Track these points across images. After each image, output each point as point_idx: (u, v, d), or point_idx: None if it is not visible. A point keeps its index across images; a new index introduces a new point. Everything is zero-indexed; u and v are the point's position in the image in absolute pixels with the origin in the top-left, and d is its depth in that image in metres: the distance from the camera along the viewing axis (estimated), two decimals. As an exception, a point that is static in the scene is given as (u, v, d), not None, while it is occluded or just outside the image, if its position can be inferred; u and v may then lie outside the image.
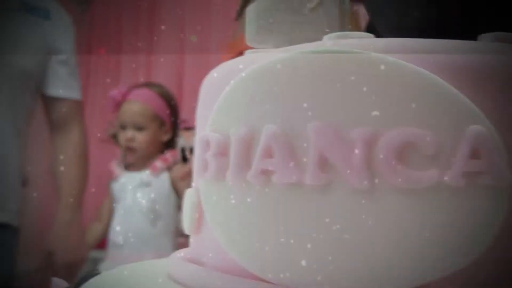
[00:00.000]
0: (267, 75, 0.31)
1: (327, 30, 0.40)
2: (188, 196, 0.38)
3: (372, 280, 0.30)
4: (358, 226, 0.29)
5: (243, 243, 0.31)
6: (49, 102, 1.68)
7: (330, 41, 0.34)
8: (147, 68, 3.04)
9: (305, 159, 0.30)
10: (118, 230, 1.77)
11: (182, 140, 2.49)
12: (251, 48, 1.37)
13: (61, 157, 1.69)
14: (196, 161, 0.38)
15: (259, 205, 0.31)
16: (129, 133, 1.77)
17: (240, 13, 1.63)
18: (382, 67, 0.29)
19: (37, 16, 1.61)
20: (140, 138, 1.78)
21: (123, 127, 1.80)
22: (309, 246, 0.30)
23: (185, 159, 2.51)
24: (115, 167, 1.85)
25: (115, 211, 1.80)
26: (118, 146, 2.04)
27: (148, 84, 1.92)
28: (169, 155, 1.83)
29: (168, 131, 1.85)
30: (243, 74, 0.32)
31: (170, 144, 1.88)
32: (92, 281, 0.38)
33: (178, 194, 1.80)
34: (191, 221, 0.37)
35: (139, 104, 1.79)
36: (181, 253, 0.41)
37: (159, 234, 1.77)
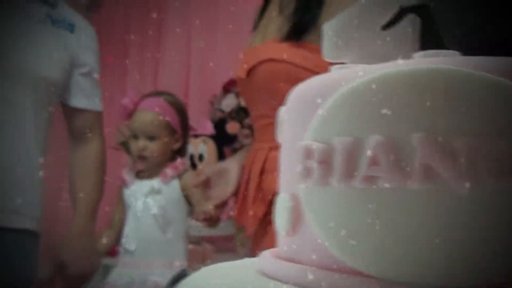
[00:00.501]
0: (370, 90, 0.35)
1: (401, 47, 0.44)
2: (282, 201, 0.41)
3: (469, 277, 0.33)
4: (459, 228, 0.33)
5: (348, 243, 0.35)
6: (71, 112, 1.73)
7: (422, 59, 0.38)
8: (153, 75, 3.07)
9: (408, 167, 0.33)
10: (129, 236, 1.80)
11: (190, 147, 2.54)
12: (264, 56, 1.40)
13: (80, 166, 1.73)
14: (289, 169, 0.42)
15: (364, 208, 0.35)
16: (141, 142, 1.81)
17: (257, 24, 1.67)
18: (481, 82, 0.33)
19: (61, 28, 1.67)
20: (152, 147, 1.81)
21: (135, 136, 1.83)
22: (411, 244, 0.34)
23: (194, 166, 2.56)
24: (126, 175, 1.88)
25: (126, 218, 1.83)
26: (128, 154, 2.07)
27: (159, 93, 1.95)
28: (179, 162, 1.87)
29: (178, 139, 1.89)
30: (345, 89, 0.36)
31: (180, 152, 1.91)
32: (186, 281, 0.41)
33: (188, 201, 1.84)
34: (287, 223, 0.40)
35: (151, 114, 1.83)
36: (268, 253, 0.45)
37: (170, 241, 1.80)
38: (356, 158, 0.35)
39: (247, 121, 2.60)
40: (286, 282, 0.38)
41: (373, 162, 0.34)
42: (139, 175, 1.89)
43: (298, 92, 0.43)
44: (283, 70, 1.40)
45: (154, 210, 1.80)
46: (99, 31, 1.75)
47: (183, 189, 1.83)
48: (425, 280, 0.34)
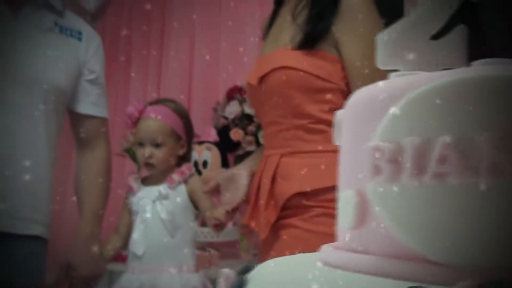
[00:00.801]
0: (438, 94, 0.39)
1: (451, 55, 0.48)
2: (349, 197, 0.45)
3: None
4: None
5: (419, 233, 0.39)
6: (77, 118, 1.76)
7: (480, 66, 0.42)
8: (156, 82, 3.10)
9: (476, 165, 0.37)
10: (138, 242, 1.82)
11: (194, 154, 2.57)
12: (274, 66, 1.43)
13: (86, 171, 1.76)
14: (352, 168, 0.45)
15: (434, 202, 0.39)
16: (147, 149, 1.83)
17: (267, 32, 1.70)
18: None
19: (70, 36, 1.71)
20: (158, 154, 1.84)
21: (141, 144, 1.85)
22: (478, 234, 0.38)
23: (198, 173, 2.58)
24: (132, 182, 1.91)
25: (134, 224, 1.86)
26: (133, 161, 2.09)
27: (163, 101, 1.98)
28: (185, 167, 1.89)
29: (183, 145, 1.91)
30: (414, 93, 0.40)
31: (185, 158, 1.95)
32: (254, 272, 0.44)
33: (195, 205, 1.87)
34: (353, 218, 0.44)
35: (156, 121, 1.85)
36: (330, 247, 0.48)
37: (178, 245, 1.83)
38: (426, 157, 0.39)
39: (250, 128, 2.63)
40: (356, 271, 0.42)
41: (442, 160, 0.38)
42: (145, 181, 1.91)
43: (361, 97, 0.47)
44: (297, 78, 1.44)
45: (162, 215, 1.82)
46: (102, 37, 1.79)
47: (190, 194, 1.86)
48: (491, 265, 0.37)
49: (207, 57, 2.98)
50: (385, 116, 0.41)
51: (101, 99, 1.81)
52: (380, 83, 0.45)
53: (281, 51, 1.50)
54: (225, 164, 2.66)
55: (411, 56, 0.49)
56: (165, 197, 1.83)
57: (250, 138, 2.64)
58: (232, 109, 2.70)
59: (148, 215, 1.83)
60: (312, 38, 1.45)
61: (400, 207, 0.40)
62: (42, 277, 1.68)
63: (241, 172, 1.64)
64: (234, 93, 2.74)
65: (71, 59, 1.71)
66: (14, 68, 1.58)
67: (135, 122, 1.88)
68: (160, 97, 2.36)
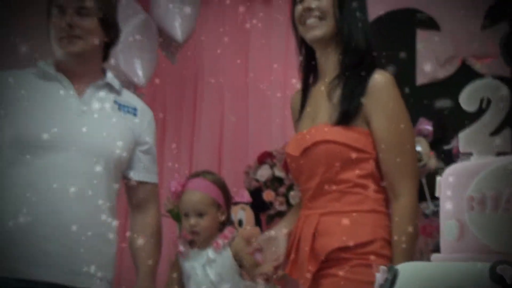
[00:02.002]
0: (503, 169, 0.81)
1: (502, 146, 0.91)
2: (452, 223, 0.86)
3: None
4: None
5: (495, 238, 0.80)
6: (132, 185, 2.04)
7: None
8: (189, 148, 3.51)
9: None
10: None
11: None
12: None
13: (140, 232, 2.04)
14: (454, 206, 0.87)
15: (505, 223, 0.80)
16: (192, 219, 2.09)
17: (301, 113, 2.06)
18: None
19: (127, 112, 2.04)
20: (202, 223, 2.09)
21: (186, 214, 2.12)
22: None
23: (234, 230, 2.96)
24: (181, 245, 2.16)
25: (188, 285, 2.10)
26: (176, 221, 2.37)
27: (202, 173, 2.24)
28: (228, 231, 2.13)
29: (224, 212, 2.16)
30: (493, 166, 0.82)
31: (226, 222, 2.20)
32: (404, 273, 0.84)
33: (241, 264, 2.12)
34: (456, 234, 0.85)
35: (199, 193, 2.13)
36: (436, 257, 0.89)
37: None
38: (499, 200, 0.80)
39: (281, 189, 3.02)
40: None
41: (507, 201, 0.79)
42: (193, 245, 2.12)
43: (455, 168, 0.91)
44: (337, 150, 1.76)
45: (212, 277, 2.05)
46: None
47: (235, 255, 2.08)
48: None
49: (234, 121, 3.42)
50: (475, 178, 0.83)
51: (153, 166, 2.10)
52: (467, 163, 0.87)
53: (320, 127, 1.81)
54: (258, 222, 3.03)
55: (479, 145, 0.91)
56: (213, 261, 2.08)
57: (281, 199, 3.04)
58: (264, 173, 3.10)
59: (200, 278, 2.07)
60: (348, 116, 1.77)
61: (486, 227, 0.81)
62: None
63: (279, 233, 1.93)
64: (265, 158, 3.16)
65: (128, 132, 2.01)
66: (80, 140, 1.89)
67: (180, 195, 2.16)
68: (198, 170, 2.62)
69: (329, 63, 1.88)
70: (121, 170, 2.01)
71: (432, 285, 0.80)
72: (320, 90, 1.89)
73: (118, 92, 2.05)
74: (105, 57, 2.09)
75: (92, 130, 1.92)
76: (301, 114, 1.98)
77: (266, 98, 3.43)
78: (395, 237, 1.71)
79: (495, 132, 0.92)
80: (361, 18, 1.87)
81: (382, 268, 0.88)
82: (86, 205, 1.87)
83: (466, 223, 0.84)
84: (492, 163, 0.84)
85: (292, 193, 2.99)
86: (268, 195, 3.05)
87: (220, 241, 2.08)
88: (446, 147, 2.87)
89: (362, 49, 1.84)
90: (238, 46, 3.52)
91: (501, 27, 3.02)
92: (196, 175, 2.22)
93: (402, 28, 3.24)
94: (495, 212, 0.80)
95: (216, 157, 3.48)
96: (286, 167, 2.95)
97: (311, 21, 1.86)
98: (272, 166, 3.12)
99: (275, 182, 3.09)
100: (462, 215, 0.85)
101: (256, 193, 3.08)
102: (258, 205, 3.06)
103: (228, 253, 2.08)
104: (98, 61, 2.05)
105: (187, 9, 3.00)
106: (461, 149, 0.95)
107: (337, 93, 1.82)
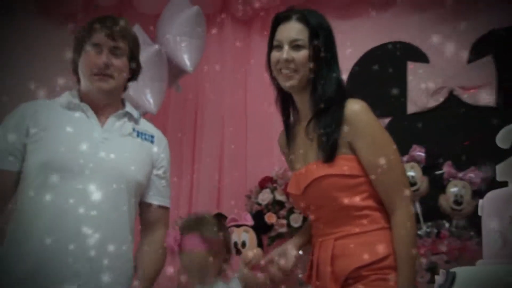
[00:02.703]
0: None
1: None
2: (496, 234, 1.12)
3: None
4: None
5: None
6: (146, 207, 2.26)
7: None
8: (190, 172, 3.74)
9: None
10: None
11: (234, 236, 3.17)
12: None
13: (146, 250, 2.23)
14: (495, 224, 1.14)
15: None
16: (196, 275, 2.19)
17: (288, 149, 2.29)
18: None
19: (145, 140, 2.27)
20: (206, 271, 2.18)
21: (190, 272, 2.20)
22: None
23: (238, 252, 3.17)
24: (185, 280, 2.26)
25: None
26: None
27: (197, 227, 2.21)
28: (230, 273, 2.23)
29: (225, 256, 2.25)
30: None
31: (227, 261, 2.29)
32: (460, 275, 1.10)
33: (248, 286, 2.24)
34: (500, 243, 1.11)
35: (198, 254, 2.16)
36: (481, 262, 1.16)
37: None
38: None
39: (282, 212, 3.27)
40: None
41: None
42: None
43: (494, 195, 1.18)
44: (335, 181, 1.95)
45: None
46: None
47: (242, 281, 2.20)
48: None
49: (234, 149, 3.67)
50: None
51: (167, 190, 2.33)
52: (506, 189, 1.15)
53: (312, 165, 2.00)
54: (260, 244, 3.27)
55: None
56: None
57: (282, 221, 3.30)
58: (265, 197, 3.36)
59: None
60: (331, 151, 1.95)
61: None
62: None
63: (290, 247, 2.13)
64: (266, 183, 3.42)
65: (146, 158, 2.24)
66: (104, 166, 2.10)
67: (177, 253, 2.19)
68: (192, 214, 2.60)
69: (306, 105, 2.06)
70: (140, 194, 2.22)
71: (482, 283, 1.06)
72: (302, 131, 2.08)
73: (136, 121, 2.27)
74: (124, 88, 2.31)
75: (115, 156, 2.12)
76: (290, 152, 2.18)
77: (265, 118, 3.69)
78: (397, 239, 1.88)
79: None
80: (334, 68, 2.04)
81: (442, 271, 1.14)
82: (110, 227, 2.07)
83: (508, 236, 1.11)
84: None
85: (292, 216, 3.27)
86: (270, 217, 3.30)
87: (229, 273, 2.23)
88: (437, 173, 3.15)
89: (333, 97, 2.00)
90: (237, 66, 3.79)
91: (486, 60, 3.33)
92: (191, 228, 2.24)
93: (394, 60, 3.53)
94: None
95: (216, 179, 3.73)
96: (286, 191, 3.15)
97: (286, 71, 2.02)
98: (273, 190, 3.38)
99: (276, 205, 3.35)
100: (505, 230, 1.12)
101: (258, 216, 3.34)
102: (260, 227, 3.31)
103: (236, 283, 2.21)
104: (120, 93, 2.28)
105: (195, 42, 3.27)
106: (498, 178, 1.22)
107: (316, 133, 2.01)
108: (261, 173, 3.51)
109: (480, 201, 1.24)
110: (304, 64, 2.01)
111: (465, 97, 3.42)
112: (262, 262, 2.14)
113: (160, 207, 2.30)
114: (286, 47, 2.02)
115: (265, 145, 3.63)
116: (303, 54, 2.01)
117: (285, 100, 2.16)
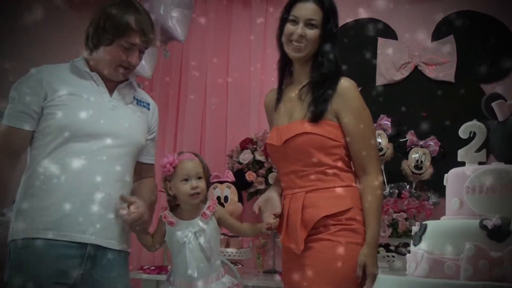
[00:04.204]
0: (486, 173, 1.67)
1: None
2: (456, 200, 1.71)
3: None
4: None
5: (481, 207, 1.66)
6: (138, 165, 2.55)
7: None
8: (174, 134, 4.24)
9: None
10: (193, 265, 2.42)
11: (218, 191, 3.67)
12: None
13: (140, 193, 2.50)
14: (457, 191, 1.72)
15: (487, 202, 1.66)
16: (194, 182, 2.44)
17: (275, 106, 2.85)
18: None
19: (143, 107, 2.58)
20: (201, 185, 2.47)
21: (186, 179, 2.46)
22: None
23: (222, 205, 3.65)
24: (171, 218, 2.50)
25: (184, 251, 2.42)
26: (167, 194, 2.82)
27: (189, 152, 2.60)
28: (212, 203, 2.53)
29: (208, 183, 2.58)
30: (480, 171, 1.68)
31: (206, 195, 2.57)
32: (432, 225, 1.67)
33: (227, 227, 2.56)
34: (458, 205, 1.71)
35: (195, 161, 2.52)
36: (447, 217, 1.75)
37: (212, 267, 2.49)
38: (482, 188, 1.67)
39: (261, 171, 3.73)
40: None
41: (488, 190, 1.66)
42: (179, 215, 2.50)
43: (457, 170, 1.77)
44: (314, 140, 2.28)
45: (203, 244, 2.43)
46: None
47: (218, 221, 2.49)
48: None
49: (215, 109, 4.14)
50: (470, 176, 1.69)
51: (154, 150, 2.67)
52: (464, 167, 1.73)
53: (298, 122, 2.33)
54: (240, 199, 3.77)
55: (469, 158, 1.78)
56: (202, 230, 2.47)
57: (261, 179, 3.78)
58: (245, 157, 3.82)
59: (193, 246, 2.44)
60: (319, 115, 2.30)
61: (475, 202, 1.66)
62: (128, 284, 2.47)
63: (273, 195, 2.44)
64: (246, 144, 3.88)
65: (145, 125, 2.53)
66: (114, 130, 2.36)
67: (174, 167, 2.50)
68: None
69: (303, 73, 2.43)
70: (138, 154, 2.55)
71: (446, 231, 1.66)
72: (294, 92, 2.44)
73: (135, 89, 2.55)
74: None
75: (124, 123, 2.42)
76: (275, 110, 2.52)
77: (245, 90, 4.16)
78: (368, 199, 2.25)
79: (478, 151, 1.79)
80: (335, 47, 2.40)
81: (417, 223, 1.73)
82: (119, 185, 2.39)
83: (464, 200, 1.70)
84: (478, 168, 1.70)
85: (271, 174, 3.74)
86: (250, 175, 3.76)
87: (207, 212, 2.49)
88: (401, 140, 3.60)
89: (331, 71, 2.37)
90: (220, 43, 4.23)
91: (447, 40, 3.89)
92: (183, 152, 2.63)
93: (366, 35, 4.02)
94: (480, 195, 1.65)
95: (198, 142, 4.21)
96: (265, 152, 3.68)
97: (297, 44, 2.37)
98: (253, 151, 3.81)
99: (256, 164, 3.80)
100: (462, 196, 1.71)
101: (239, 174, 3.79)
102: (241, 184, 3.78)
103: (213, 222, 2.50)
104: None
105: (185, 12, 3.66)
106: (459, 159, 1.80)
107: (309, 96, 2.37)
108: (240, 137, 3.98)
109: (445, 175, 1.81)
110: (314, 41, 2.37)
111: (428, 72, 3.90)
112: (254, 209, 2.48)
113: (149, 164, 2.64)
114: (301, 24, 2.37)
115: (244, 111, 4.14)
116: (315, 32, 2.37)
117: (284, 65, 2.52)
